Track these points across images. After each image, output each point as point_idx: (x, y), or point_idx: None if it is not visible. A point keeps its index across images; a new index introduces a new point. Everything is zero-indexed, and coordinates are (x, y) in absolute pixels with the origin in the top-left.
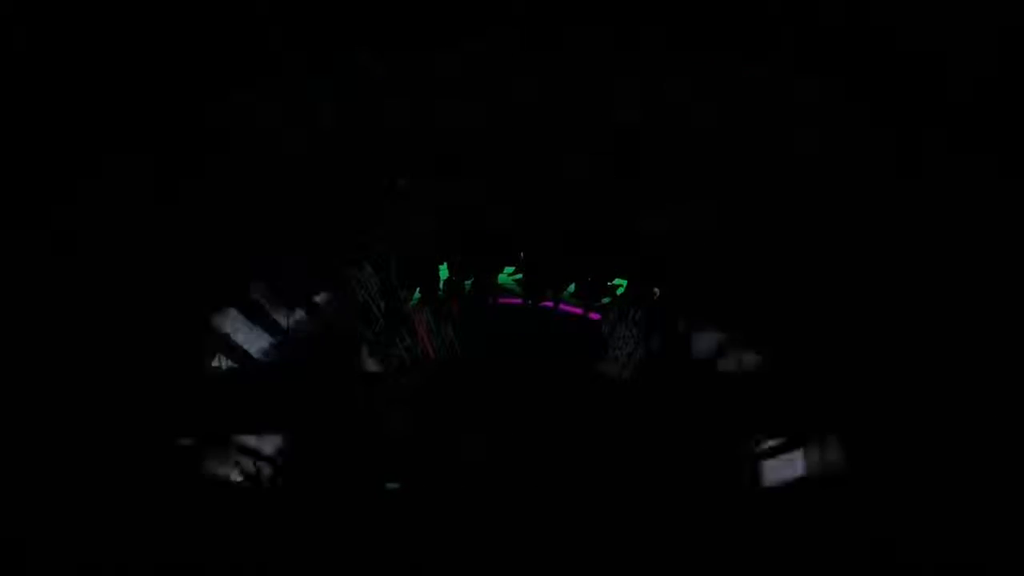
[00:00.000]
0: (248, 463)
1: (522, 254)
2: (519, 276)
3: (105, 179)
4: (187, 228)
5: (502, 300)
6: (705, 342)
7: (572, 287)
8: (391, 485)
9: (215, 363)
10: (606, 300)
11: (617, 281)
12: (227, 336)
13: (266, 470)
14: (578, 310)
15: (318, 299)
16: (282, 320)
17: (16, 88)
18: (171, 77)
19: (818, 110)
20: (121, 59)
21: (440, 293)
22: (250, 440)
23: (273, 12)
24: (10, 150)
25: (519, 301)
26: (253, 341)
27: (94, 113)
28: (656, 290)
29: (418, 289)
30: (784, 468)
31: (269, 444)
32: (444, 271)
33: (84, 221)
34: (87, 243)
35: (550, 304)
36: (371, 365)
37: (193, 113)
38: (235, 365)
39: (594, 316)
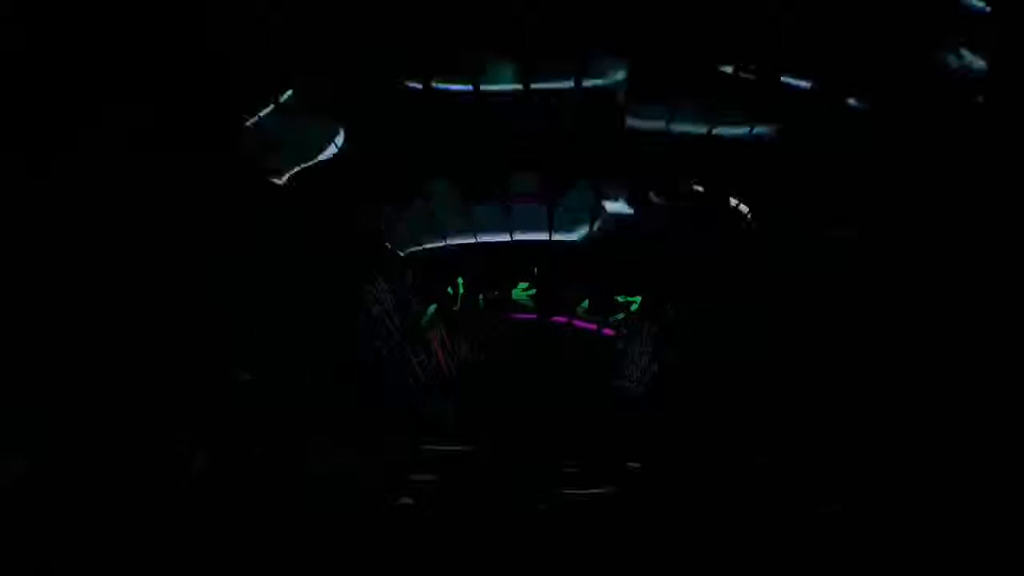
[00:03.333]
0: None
1: (535, 270)
2: (533, 292)
3: (100, 174)
4: (189, 232)
5: (516, 315)
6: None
7: (586, 303)
8: (405, 500)
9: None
10: (619, 316)
11: (630, 298)
12: (238, 340)
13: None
14: (592, 326)
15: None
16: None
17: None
18: (168, 75)
19: (818, 110)
20: (115, 56)
21: (455, 308)
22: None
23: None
24: None
25: (533, 316)
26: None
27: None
28: (668, 306)
29: (433, 305)
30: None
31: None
32: (460, 286)
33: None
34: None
35: (564, 320)
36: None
37: (197, 111)
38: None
39: (608, 332)
